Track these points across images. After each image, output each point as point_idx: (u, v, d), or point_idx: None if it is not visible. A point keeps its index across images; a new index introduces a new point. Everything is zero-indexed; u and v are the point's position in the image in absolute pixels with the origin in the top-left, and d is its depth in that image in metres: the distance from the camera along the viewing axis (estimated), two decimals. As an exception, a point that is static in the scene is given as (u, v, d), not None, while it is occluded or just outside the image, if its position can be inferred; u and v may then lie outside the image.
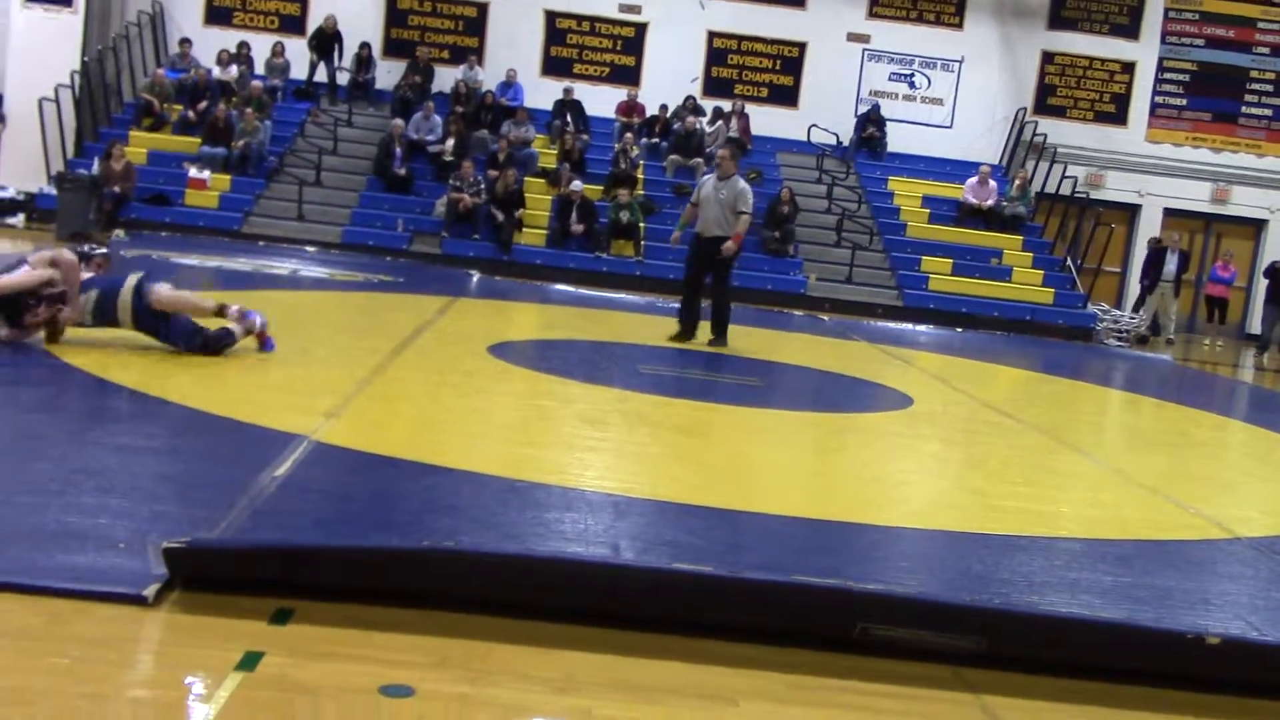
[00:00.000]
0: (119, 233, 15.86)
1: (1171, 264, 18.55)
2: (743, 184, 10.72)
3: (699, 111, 20.46)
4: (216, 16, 20.72)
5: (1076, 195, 19.78)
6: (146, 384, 6.06)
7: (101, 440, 4.89)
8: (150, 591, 3.22)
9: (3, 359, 6.30)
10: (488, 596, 3.40)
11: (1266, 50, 21.77)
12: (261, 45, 20.30)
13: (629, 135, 19.53)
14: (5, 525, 3.63)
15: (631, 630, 3.35)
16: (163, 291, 6.67)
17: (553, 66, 21.30)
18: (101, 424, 5.34)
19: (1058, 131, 21.17)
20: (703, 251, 10.78)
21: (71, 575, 3.27)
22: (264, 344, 7.20)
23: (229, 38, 20.30)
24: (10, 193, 17.42)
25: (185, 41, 19.93)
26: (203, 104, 18.77)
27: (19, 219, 17.01)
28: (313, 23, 20.44)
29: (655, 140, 20.12)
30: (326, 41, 20.22)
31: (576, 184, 17.91)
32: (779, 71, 21.62)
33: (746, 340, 11.38)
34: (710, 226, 10.65)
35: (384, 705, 2.79)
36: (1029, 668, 3.41)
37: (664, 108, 20.39)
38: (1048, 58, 21.79)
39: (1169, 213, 21.70)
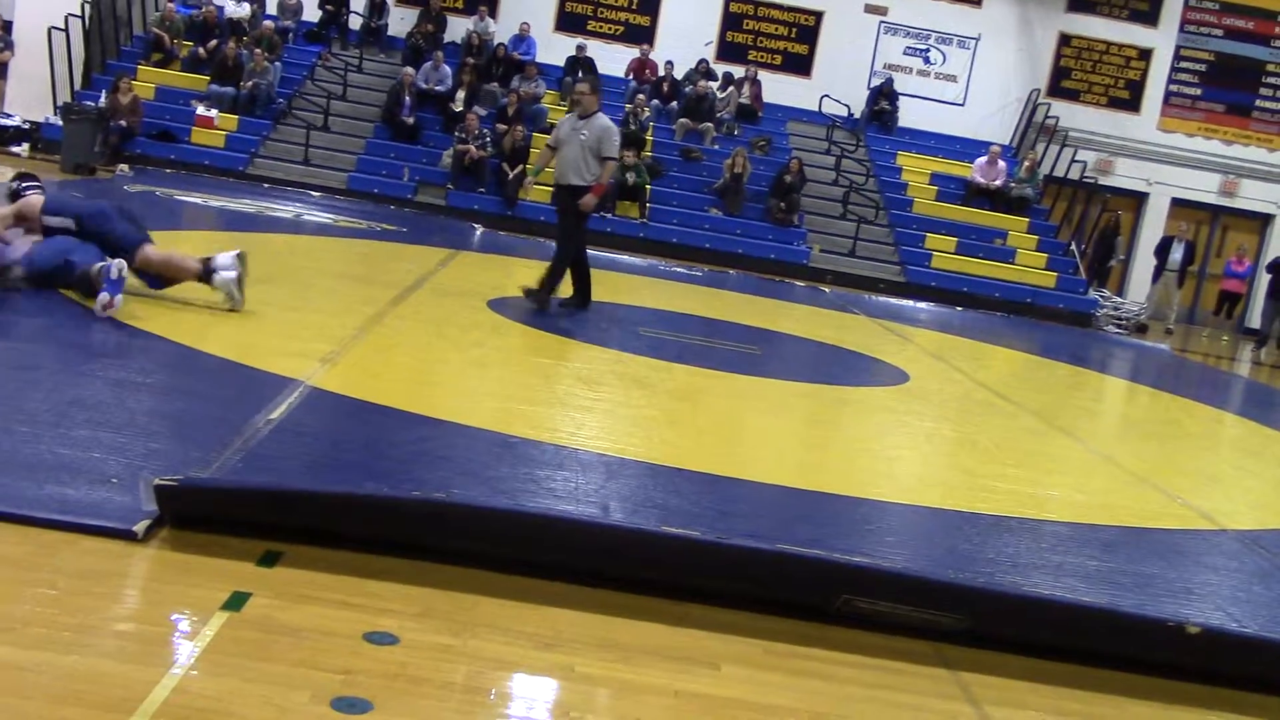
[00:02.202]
0: (124, 167, 15.79)
1: (1177, 253, 18.53)
2: (606, 122, 9.25)
3: (711, 75, 20.34)
4: (230, -47, 20.54)
5: (1085, 180, 19.72)
6: (145, 321, 6.05)
7: (97, 374, 4.89)
8: (140, 527, 3.23)
9: (2, 290, 6.29)
10: (476, 549, 3.42)
11: (1285, 44, 21.66)
12: (275, -15, 20.15)
13: (640, 97, 19.43)
14: (-2, 454, 3.64)
15: (618, 591, 3.37)
16: None
17: (566, 22, 21.14)
18: (98, 358, 5.34)
19: (1070, 115, 21.08)
20: (561, 201, 9.37)
21: (62, 507, 3.29)
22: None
23: (242, -25, 20.12)
24: (16, 121, 17.31)
25: (198, -23, 19.78)
26: (213, 42, 18.64)
27: (23, 148, 16.92)
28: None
29: (669, 104, 20.02)
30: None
31: (592, 141, 17.80)
32: (794, 40, 21.48)
33: (747, 308, 11.38)
34: (567, 173, 9.14)
35: (368, 652, 2.80)
36: (1009, 648, 3.43)
37: (670, 64, 20.26)
38: (1064, 40, 21.65)
39: (1176, 202, 21.64)
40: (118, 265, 6.06)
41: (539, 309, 8.94)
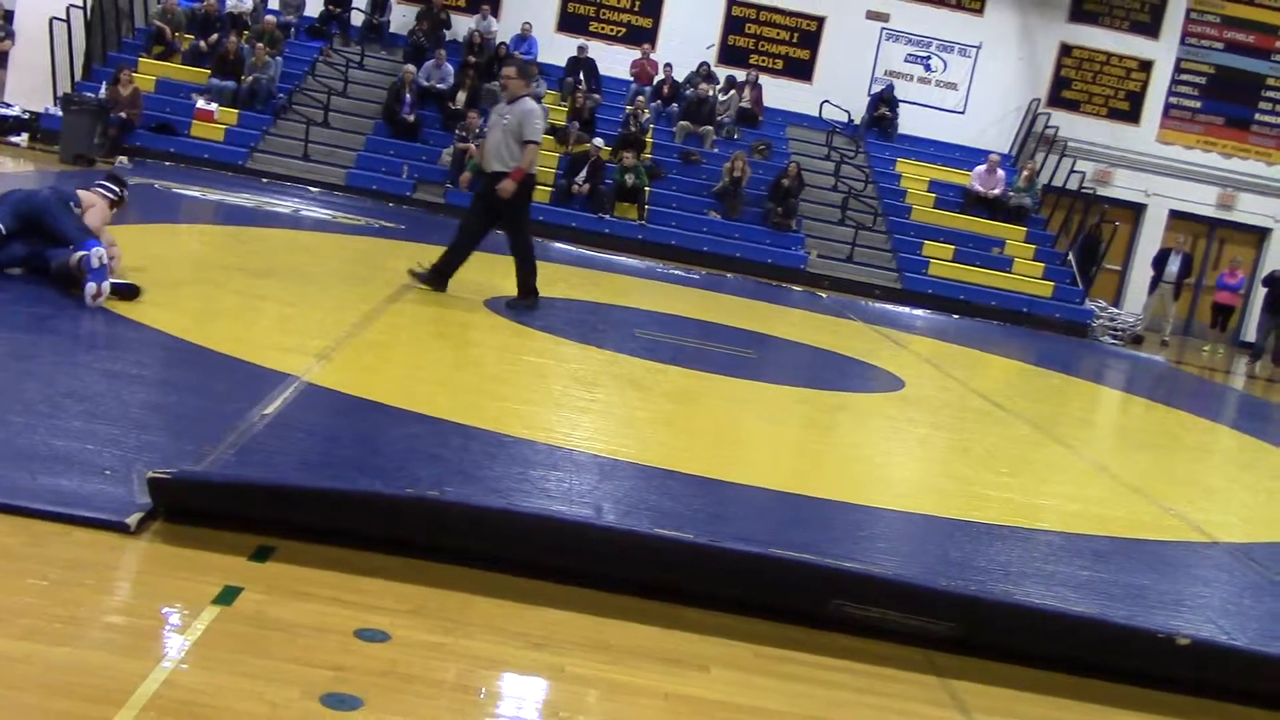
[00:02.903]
0: (123, 159, 15.77)
1: (1174, 265, 18.55)
2: (531, 104, 8.81)
3: (712, 79, 20.36)
4: (233, -53, 20.53)
5: (1083, 191, 19.74)
6: (141, 314, 6.05)
7: (93, 366, 4.89)
8: (133, 520, 3.23)
9: (-2, 278, 6.29)
10: (468, 548, 3.42)
11: (1285, 59, 21.71)
12: (277, -20, 20.14)
13: (641, 98, 19.44)
14: (-8, 444, 3.64)
15: (610, 592, 3.37)
16: None
17: (568, 23, 21.15)
18: (94, 350, 5.33)
19: (1069, 125, 21.11)
20: (485, 191, 8.87)
21: (55, 498, 3.28)
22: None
23: (244, -30, 20.11)
24: (15, 111, 17.29)
25: (200, -30, 19.77)
26: (214, 35, 18.63)
27: (23, 138, 16.89)
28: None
29: (669, 107, 20.02)
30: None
31: (598, 140, 17.86)
32: (796, 44, 21.50)
33: (743, 312, 11.38)
34: (490, 159, 8.71)
35: (359, 649, 2.80)
36: (1000, 656, 3.43)
37: (669, 66, 20.28)
38: (1065, 50, 21.68)
39: (1174, 214, 21.67)
40: (97, 254, 5.98)
41: (531, 309, 8.91)
